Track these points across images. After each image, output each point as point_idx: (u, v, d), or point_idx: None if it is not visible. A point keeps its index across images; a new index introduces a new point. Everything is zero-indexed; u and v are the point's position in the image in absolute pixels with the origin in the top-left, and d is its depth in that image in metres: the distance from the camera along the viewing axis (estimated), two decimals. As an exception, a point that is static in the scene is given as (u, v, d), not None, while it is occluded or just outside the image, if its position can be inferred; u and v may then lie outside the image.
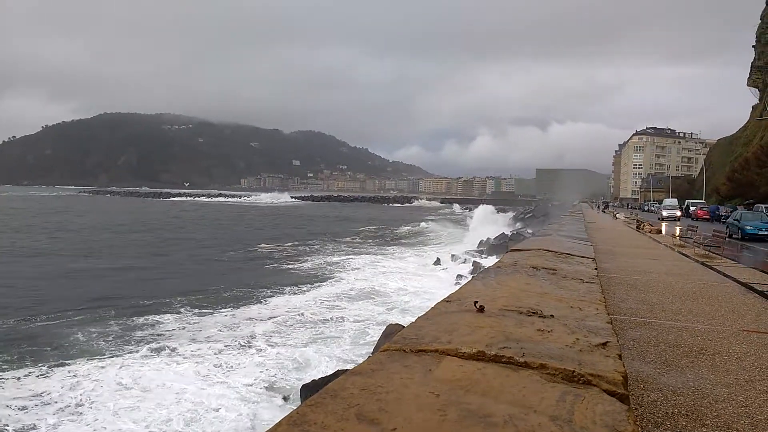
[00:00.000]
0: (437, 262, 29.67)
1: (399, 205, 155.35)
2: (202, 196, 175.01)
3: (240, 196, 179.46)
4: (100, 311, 18.25)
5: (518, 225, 58.14)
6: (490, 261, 24.18)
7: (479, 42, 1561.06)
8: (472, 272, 22.84)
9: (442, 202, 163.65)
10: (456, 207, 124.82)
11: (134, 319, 17.33)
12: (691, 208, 53.51)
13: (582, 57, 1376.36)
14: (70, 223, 59.58)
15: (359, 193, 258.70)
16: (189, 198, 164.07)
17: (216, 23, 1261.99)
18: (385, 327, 13.56)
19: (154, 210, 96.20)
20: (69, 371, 12.53)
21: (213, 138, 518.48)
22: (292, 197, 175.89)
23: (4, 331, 16.01)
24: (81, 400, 10.84)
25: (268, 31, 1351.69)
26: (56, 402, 10.80)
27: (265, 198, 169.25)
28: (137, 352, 13.96)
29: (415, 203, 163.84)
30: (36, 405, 10.66)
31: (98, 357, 13.58)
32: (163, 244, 42.21)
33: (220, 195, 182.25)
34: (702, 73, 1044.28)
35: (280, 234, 52.68)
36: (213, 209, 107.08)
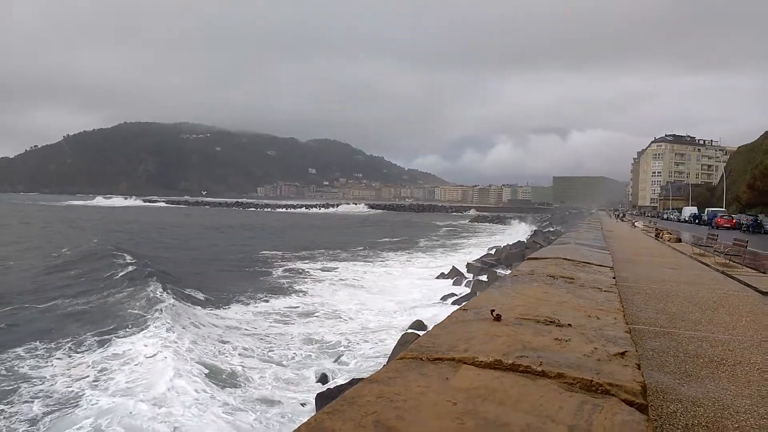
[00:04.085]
0: (453, 271, 29.53)
1: (457, 213, 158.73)
2: (283, 207, 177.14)
3: (316, 206, 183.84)
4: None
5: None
6: (505, 272, 23.95)
7: (501, 53, 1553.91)
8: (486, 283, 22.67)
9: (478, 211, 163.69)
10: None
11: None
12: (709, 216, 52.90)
13: (604, 66, 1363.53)
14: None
15: (429, 202, 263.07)
16: (268, 209, 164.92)
17: (236, 36, 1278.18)
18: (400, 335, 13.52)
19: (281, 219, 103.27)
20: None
21: (230, 147, 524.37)
22: (366, 205, 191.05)
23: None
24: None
25: (286, 44, 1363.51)
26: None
27: (343, 207, 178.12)
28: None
29: (471, 212, 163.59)
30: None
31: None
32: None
33: (302, 206, 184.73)
34: (722, 82, 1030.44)
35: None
36: (315, 219, 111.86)
